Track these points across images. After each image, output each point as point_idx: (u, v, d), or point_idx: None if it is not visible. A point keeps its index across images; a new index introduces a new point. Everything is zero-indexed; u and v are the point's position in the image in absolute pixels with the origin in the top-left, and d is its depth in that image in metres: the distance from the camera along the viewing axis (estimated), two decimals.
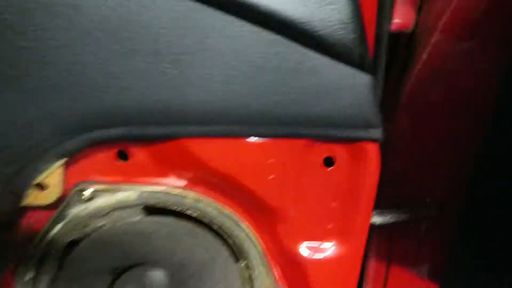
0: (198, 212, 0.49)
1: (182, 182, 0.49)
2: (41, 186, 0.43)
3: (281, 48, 0.41)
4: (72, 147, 0.42)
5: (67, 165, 0.44)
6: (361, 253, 0.53)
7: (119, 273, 0.51)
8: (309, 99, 0.43)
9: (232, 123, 0.44)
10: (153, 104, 0.42)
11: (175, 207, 0.49)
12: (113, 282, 0.51)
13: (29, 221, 0.46)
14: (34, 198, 0.44)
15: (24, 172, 0.41)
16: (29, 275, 0.48)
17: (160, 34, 0.39)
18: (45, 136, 0.40)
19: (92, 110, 0.40)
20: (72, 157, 0.43)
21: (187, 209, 0.49)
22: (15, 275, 0.47)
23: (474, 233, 0.74)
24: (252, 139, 0.45)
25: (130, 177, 0.48)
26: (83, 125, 0.41)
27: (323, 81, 0.43)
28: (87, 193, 0.46)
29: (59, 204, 0.46)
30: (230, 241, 0.52)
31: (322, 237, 0.52)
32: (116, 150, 0.46)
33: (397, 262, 0.73)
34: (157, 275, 0.54)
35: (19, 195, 0.42)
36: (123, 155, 0.47)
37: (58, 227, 0.47)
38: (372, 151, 0.48)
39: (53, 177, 0.43)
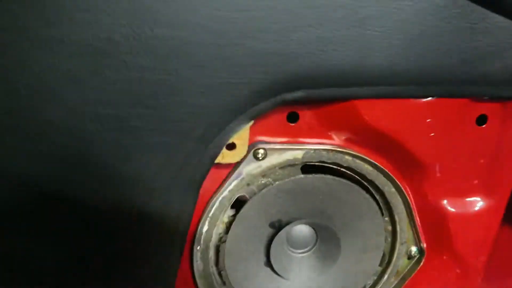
0: (355, 168, 0.53)
1: (343, 142, 0.52)
2: (231, 146, 0.48)
3: (458, 10, 0.43)
4: (262, 109, 0.46)
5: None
6: (502, 209, 0.56)
7: (278, 226, 0.56)
8: (480, 59, 0.46)
9: (402, 84, 0.47)
10: (332, 68, 0.45)
11: (336, 165, 0.53)
12: (273, 236, 0.56)
13: (209, 178, 0.51)
14: (223, 156, 0.48)
15: (223, 132, 0.46)
16: (205, 228, 0.54)
17: None
18: (244, 98, 0.44)
19: (281, 75, 0.44)
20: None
21: (346, 166, 0.53)
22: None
23: None
24: (418, 99, 0.48)
25: (297, 138, 0.52)
26: (273, 89, 0.45)
27: (495, 40, 0.45)
28: (261, 152, 0.51)
29: (235, 164, 0.51)
30: (378, 197, 0.56)
31: (467, 193, 0.55)
32: (287, 112, 0.50)
33: None
34: (307, 228, 0.59)
35: (215, 155, 0.47)
36: (293, 118, 0.51)
37: (233, 183, 0.52)
38: None
39: (241, 137, 0.48)
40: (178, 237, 0.50)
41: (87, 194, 0.44)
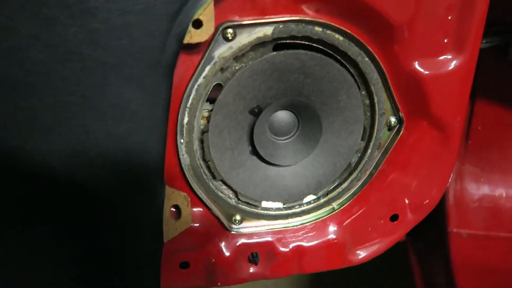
0: (326, 40, 0.53)
1: (313, 14, 0.52)
2: (197, 23, 0.47)
3: None
4: None
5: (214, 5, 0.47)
6: (474, 64, 0.57)
7: (258, 112, 0.57)
8: None
9: None
10: None
11: (306, 39, 0.53)
12: (254, 122, 0.57)
13: (181, 65, 0.51)
14: (190, 36, 0.48)
15: (184, 9, 0.45)
16: (186, 119, 0.54)
17: None
18: None
19: None
20: None
21: (317, 39, 0.53)
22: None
23: None
24: None
25: (265, 14, 0.51)
26: None
27: None
28: (230, 31, 0.50)
29: (205, 47, 0.51)
30: (353, 70, 0.57)
31: (438, 53, 0.56)
32: None
33: None
34: (288, 113, 0.60)
35: (181, 34, 0.46)
36: None
37: (207, 68, 0.52)
38: None
39: (206, 14, 0.47)
40: (159, 127, 0.51)
41: None
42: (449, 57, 0.56)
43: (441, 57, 0.56)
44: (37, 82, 0.44)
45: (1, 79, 0.43)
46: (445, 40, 0.55)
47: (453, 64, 0.56)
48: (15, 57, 0.43)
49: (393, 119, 0.61)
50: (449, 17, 0.54)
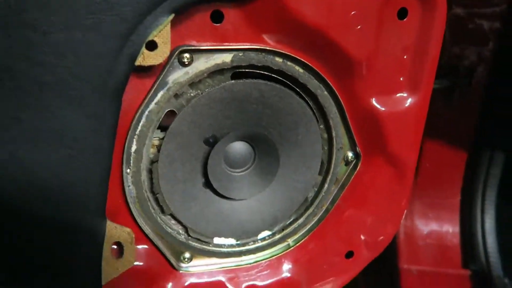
0: (286, 71, 0.52)
1: (273, 43, 0.51)
2: (151, 45, 0.44)
3: None
4: (181, 1, 0.42)
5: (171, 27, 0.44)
6: (427, 103, 0.58)
7: (213, 142, 0.54)
8: None
9: None
10: None
11: (266, 69, 0.51)
12: (209, 154, 0.53)
13: (132, 89, 0.47)
14: (143, 58, 0.44)
15: (138, 28, 0.42)
16: (134, 147, 0.50)
17: None
18: None
19: None
20: (175, 18, 0.44)
21: (277, 70, 0.51)
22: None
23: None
24: None
25: (224, 41, 0.49)
26: None
27: None
28: (186, 56, 0.47)
29: (159, 70, 0.47)
30: (312, 103, 0.56)
31: (394, 90, 0.57)
32: (210, 11, 0.47)
33: None
34: (245, 145, 0.57)
35: (134, 55, 0.43)
36: (217, 17, 0.48)
37: (159, 94, 0.48)
38: (442, 1, 0.52)
39: (162, 35, 0.44)
40: (102, 156, 0.46)
41: None
42: (405, 95, 0.57)
43: (397, 95, 0.57)
44: None
45: None
46: (401, 79, 0.56)
47: (408, 102, 0.57)
48: None
49: (350, 154, 0.60)
50: (405, 57, 0.55)
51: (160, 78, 0.47)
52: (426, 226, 0.90)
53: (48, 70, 0.40)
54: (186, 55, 0.47)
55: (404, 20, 0.53)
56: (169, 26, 0.44)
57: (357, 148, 0.60)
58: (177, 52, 0.47)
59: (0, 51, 0.37)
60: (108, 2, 0.39)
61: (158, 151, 0.51)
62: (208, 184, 0.56)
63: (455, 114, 0.80)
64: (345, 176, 0.61)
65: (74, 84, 0.41)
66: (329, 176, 0.60)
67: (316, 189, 0.62)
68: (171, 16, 0.43)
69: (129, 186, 0.51)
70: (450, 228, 0.90)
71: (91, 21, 0.39)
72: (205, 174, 0.55)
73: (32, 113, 0.41)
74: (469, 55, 0.75)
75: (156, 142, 0.52)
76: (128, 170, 0.50)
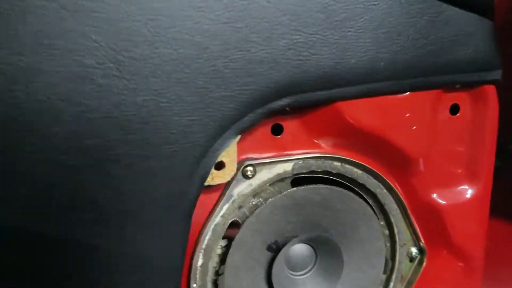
0: (345, 173, 0.52)
1: (330, 148, 0.52)
2: (219, 165, 0.46)
3: (421, 5, 0.46)
4: (248, 122, 0.44)
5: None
6: (489, 192, 0.57)
7: (276, 248, 0.53)
8: (444, 48, 0.48)
9: (378, 81, 0.48)
10: (313, 72, 0.45)
11: (326, 173, 0.52)
12: (272, 260, 0.53)
13: (198, 204, 0.48)
14: (212, 177, 0.46)
15: (209, 151, 0.44)
16: (200, 261, 0.50)
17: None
18: (230, 112, 0.42)
19: (266, 84, 0.43)
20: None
21: (336, 173, 0.52)
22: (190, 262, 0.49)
23: None
24: (394, 95, 0.49)
25: (284, 151, 0.50)
26: (258, 99, 0.44)
27: (455, 29, 0.48)
28: (250, 169, 0.49)
29: (224, 185, 0.49)
30: (371, 201, 0.56)
31: (454, 183, 0.56)
32: (271, 125, 0.49)
33: None
34: (305, 246, 0.56)
35: (204, 177, 0.44)
36: (277, 130, 0.50)
37: (225, 207, 0.49)
38: (492, 93, 0.53)
39: (229, 155, 0.46)
40: (173, 275, 0.46)
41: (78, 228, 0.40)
42: (465, 187, 0.56)
43: (457, 188, 0.56)
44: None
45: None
46: (459, 171, 0.56)
47: (469, 193, 0.56)
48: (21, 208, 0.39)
49: (414, 250, 0.58)
50: (461, 149, 0.55)
51: (226, 193, 0.48)
52: None
53: (128, 198, 0.41)
54: (250, 168, 0.49)
55: (457, 115, 0.54)
56: (235, 145, 0.46)
57: (421, 243, 0.58)
58: (242, 167, 0.48)
59: (88, 186, 0.39)
60: (183, 132, 0.41)
61: (221, 260, 0.51)
62: None
63: (504, 195, 0.78)
64: (410, 273, 0.59)
65: (150, 208, 0.43)
66: (394, 274, 0.58)
67: None
68: (238, 137, 0.45)
69: None
70: None
71: (168, 151, 0.41)
72: (268, 280, 0.54)
73: (107, 240, 0.42)
74: None
75: (219, 251, 0.52)
76: (195, 285, 0.50)
